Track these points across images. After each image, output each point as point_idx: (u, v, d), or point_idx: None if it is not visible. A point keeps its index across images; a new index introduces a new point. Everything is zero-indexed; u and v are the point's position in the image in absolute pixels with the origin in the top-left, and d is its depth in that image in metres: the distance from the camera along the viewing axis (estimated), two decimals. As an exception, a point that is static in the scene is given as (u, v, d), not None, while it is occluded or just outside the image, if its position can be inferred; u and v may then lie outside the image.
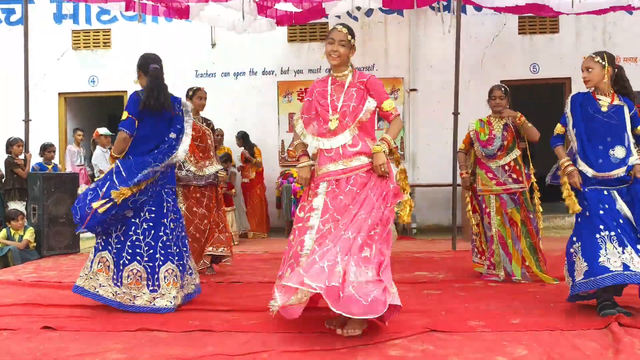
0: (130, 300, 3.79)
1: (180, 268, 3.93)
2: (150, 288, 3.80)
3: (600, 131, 3.64)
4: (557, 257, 5.66)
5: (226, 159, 8.28)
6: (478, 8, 8.71)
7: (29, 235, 6.73)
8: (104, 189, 3.74)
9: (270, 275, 3.50)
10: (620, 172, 3.59)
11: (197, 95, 5.41)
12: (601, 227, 3.51)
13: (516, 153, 4.83)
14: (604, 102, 3.68)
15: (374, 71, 9.30)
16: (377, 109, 3.40)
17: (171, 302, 3.78)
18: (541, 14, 8.01)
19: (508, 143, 4.83)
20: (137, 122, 3.83)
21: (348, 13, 8.92)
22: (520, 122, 4.76)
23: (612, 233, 3.48)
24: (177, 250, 3.96)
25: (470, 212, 5.04)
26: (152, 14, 7.84)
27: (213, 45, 9.75)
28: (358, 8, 8.49)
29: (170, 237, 3.92)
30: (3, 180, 7.70)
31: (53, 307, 3.96)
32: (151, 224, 3.87)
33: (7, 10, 9.95)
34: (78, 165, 9.01)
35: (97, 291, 3.81)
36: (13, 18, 9.92)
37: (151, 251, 3.83)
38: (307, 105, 3.51)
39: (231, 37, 9.00)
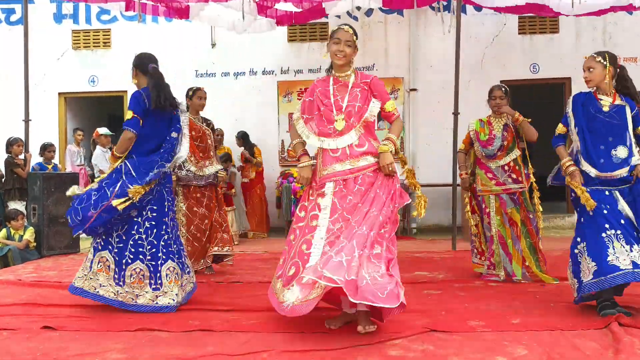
0: (133, 299, 3.79)
1: (180, 266, 3.96)
2: (153, 287, 3.81)
3: (601, 131, 3.63)
4: (557, 257, 5.67)
5: (226, 158, 8.28)
6: (478, 8, 8.71)
7: (29, 235, 6.73)
8: (115, 189, 3.73)
9: (270, 275, 3.50)
10: (623, 172, 3.58)
11: (197, 95, 5.41)
12: (606, 226, 3.49)
13: (516, 153, 4.83)
14: (606, 101, 3.67)
15: (374, 71, 9.30)
16: (380, 110, 3.43)
17: (174, 300, 3.81)
18: (541, 14, 8.01)
19: (508, 143, 4.83)
20: (141, 121, 3.83)
21: (348, 13, 8.91)
22: (519, 121, 4.76)
23: (619, 231, 3.47)
24: (177, 248, 4.00)
25: (469, 213, 5.05)
26: (152, 14, 7.84)
27: (213, 45, 9.75)
28: (358, 8, 8.49)
29: (171, 235, 3.97)
30: (3, 180, 7.70)
31: (53, 307, 3.96)
32: (153, 222, 3.88)
33: (7, 10, 9.96)
34: (78, 165, 9.01)
35: (98, 291, 3.80)
36: (13, 18, 9.92)
37: (154, 250, 3.85)
38: (308, 105, 3.49)
39: (231, 37, 9.00)
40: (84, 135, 9.50)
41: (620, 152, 3.60)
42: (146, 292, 3.80)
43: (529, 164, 4.84)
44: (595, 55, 3.69)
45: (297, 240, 3.29)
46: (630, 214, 3.55)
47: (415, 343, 3.00)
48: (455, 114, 6.91)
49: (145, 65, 3.98)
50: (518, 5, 7.46)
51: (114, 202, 3.69)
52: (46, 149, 7.97)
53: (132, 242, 3.82)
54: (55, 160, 8.31)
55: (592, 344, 2.93)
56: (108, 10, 9.51)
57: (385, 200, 3.23)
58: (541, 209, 4.79)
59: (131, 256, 3.81)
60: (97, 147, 8.56)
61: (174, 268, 3.89)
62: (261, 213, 8.88)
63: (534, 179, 4.87)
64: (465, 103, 7.30)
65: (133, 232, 3.84)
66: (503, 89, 4.90)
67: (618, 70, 3.72)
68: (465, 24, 7.85)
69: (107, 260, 3.83)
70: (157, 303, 3.79)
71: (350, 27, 3.42)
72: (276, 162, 9.62)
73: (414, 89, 9.53)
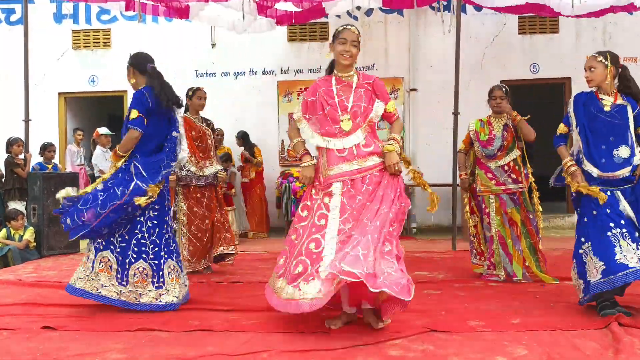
0: (136, 298, 3.79)
1: (179, 265, 4.01)
2: (156, 285, 3.83)
3: (603, 131, 3.62)
4: (557, 257, 5.67)
5: (226, 158, 8.28)
6: (478, 8, 8.71)
7: (29, 235, 6.73)
8: (128, 188, 3.72)
9: (270, 275, 3.51)
10: (625, 172, 3.56)
11: (196, 95, 5.41)
12: (611, 224, 3.47)
13: (516, 153, 4.83)
14: (607, 101, 3.66)
15: (374, 71, 9.30)
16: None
17: (176, 298, 3.85)
18: (541, 14, 8.01)
19: (508, 143, 4.82)
20: (145, 120, 3.84)
21: (348, 13, 8.91)
22: (516, 120, 4.76)
23: (624, 230, 3.45)
24: (175, 247, 4.04)
25: (468, 214, 5.05)
26: (152, 13, 7.84)
27: (213, 45, 9.75)
28: (358, 8, 8.49)
29: (170, 234, 4.02)
30: (3, 180, 7.70)
31: (53, 307, 3.96)
32: (155, 222, 3.90)
33: (7, 10, 9.96)
34: (78, 165, 9.01)
35: (100, 292, 3.78)
36: (13, 18, 9.92)
37: (156, 249, 3.88)
38: (310, 105, 3.46)
39: (231, 37, 9.00)
40: (84, 135, 9.50)
41: (622, 151, 3.58)
42: (149, 290, 3.82)
43: (527, 164, 4.84)
44: (596, 55, 3.68)
45: (301, 239, 3.29)
46: (631, 214, 3.53)
47: (415, 343, 3.00)
48: (455, 114, 6.91)
49: (143, 65, 3.98)
50: (518, 5, 7.46)
51: (137, 200, 3.70)
52: (46, 148, 7.97)
53: (135, 242, 3.83)
54: (55, 160, 8.31)
55: (592, 344, 2.93)
56: (108, 10, 9.51)
57: (393, 198, 3.27)
58: (541, 209, 4.79)
59: (134, 255, 3.81)
60: (97, 147, 8.56)
61: (174, 266, 3.94)
62: (261, 213, 8.88)
63: (533, 179, 4.86)
64: (465, 103, 7.30)
65: (136, 231, 3.84)
66: (503, 89, 4.90)
67: (620, 70, 3.71)
68: (465, 24, 7.85)
69: (109, 260, 3.82)
70: (160, 301, 3.81)
71: (355, 27, 3.44)
72: (276, 162, 9.62)
73: (414, 89, 9.53)
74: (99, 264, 3.81)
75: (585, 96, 3.74)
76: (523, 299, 4.05)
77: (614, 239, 3.44)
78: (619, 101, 3.67)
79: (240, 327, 3.36)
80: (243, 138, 8.92)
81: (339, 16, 9.01)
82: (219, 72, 9.74)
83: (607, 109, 3.64)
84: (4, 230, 6.77)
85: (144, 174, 3.79)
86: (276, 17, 8.10)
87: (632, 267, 3.34)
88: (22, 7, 7.53)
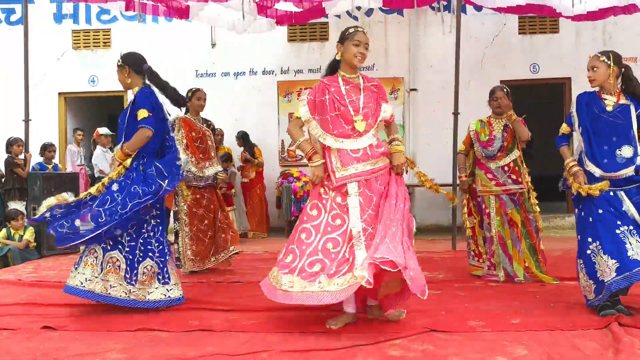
0: (145, 296, 3.81)
1: (172, 263, 4.09)
2: (162, 281, 3.89)
3: (605, 131, 3.61)
4: (557, 257, 5.68)
5: (226, 158, 8.29)
6: (478, 8, 8.71)
7: (29, 235, 6.73)
8: (152, 187, 3.74)
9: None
10: (628, 171, 3.54)
11: (196, 96, 5.42)
12: (618, 222, 3.46)
13: (516, 154, 4.83)
14: (610, 101, 3.65)
15: (374, 71, 9.30)
16: None
17: (181, 292, 3.95)
18: (541, 14, 8.00)
19: (508, 144, 4.82)
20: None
21: (348, 13, 8.91)
22: (511, 119, 4.77)
23: (631, 227, 3.44)
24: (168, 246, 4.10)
25: (466, 215, 5.05)
26: (152, 13, 7.84)
27: (213, 45, 9.75)
28: (358, 8, 8.49)
29: (166, 233, 4.05)
30: (3, 180, 7.70)
31: (53, 307, 3.96)
32: (158, 220, 3.95)
33: (7, 10, 9.95)
34: (78, 165, 9.01)
35: (109, 292, 3.74)
36: (13, 18, 9.92)
37: (161, 247, 3.92)
38: (319, 105, 3.44)
39: (231, 37, 9.00)
40: (84, 135, 9.50)
41: (625, 151, 3.57)
42: (156, 287, 3.85)
43: (523, 164, 4.84)
44: (599, 55, 3.68)
45: (314, 238, 3.29)
46: (636, 215, 3.50)
47: (415, 343, 3.00)
48: (455, 114, 6.91)
49: (139, 65, 3.99)
50: (518, 5, 7.46)
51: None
52: (46, 148, 7.97)
53: (142, 241, 3.85)
54: (56, 160, 8.32)
55: (592, 344, 2.93)
56: (108, 10, 9.51)
57: (404, 196, 3.36)
58: (538, 210, 4.78)
59: (141, 254, 3.83)
60: (98, 147, 8.56)
61: (172, 264, 4.02)
62: (261, 213, 8.88)
63: (529, 179, 4.86)
64: (465, 103, 7.30)
65: (143, 230, 3.87)
66: (504, 90, 4.90)
67: (623, 70, 3.70)
68: (465, 24, 7.85)
69: (118, 260, 3.79)
70: (169, 297, 3.88)
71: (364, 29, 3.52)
72: (276, 162, 9.62)
73: (414, 89, 9.52)
74: (107, 264, 3.79)
75: (588, 96, 3.73)
76: (523, 299, 4.05)
77: (623, 237, 3.42)
78: (622, 101, 3.66)
79: (240, 327, 3.36)
80: (243, 138, 8.92)
81: (339, 16, 9.01)
82: (219, 72, 9.74)
83: (609, 109, 3.63)
84: (4, 230, 6.77)
85: (165, 173, 3.82)
86: (276, 17, 8.10)
87: None
88: (22, 7, 7.53)
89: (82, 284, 3.76)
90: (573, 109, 3.78)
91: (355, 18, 9.37)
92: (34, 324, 3.50)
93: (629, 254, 3.36)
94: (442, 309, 3.74)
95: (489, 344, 2.97)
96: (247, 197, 8.89)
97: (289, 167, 9.38)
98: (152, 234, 3.89)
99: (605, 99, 3.67)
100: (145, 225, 3.87)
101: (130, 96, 4.02)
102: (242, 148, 8.89)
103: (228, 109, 9.29)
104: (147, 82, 4.01)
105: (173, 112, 4.66)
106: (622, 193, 3.55)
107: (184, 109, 5.37)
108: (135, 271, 3.79)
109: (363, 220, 3.26)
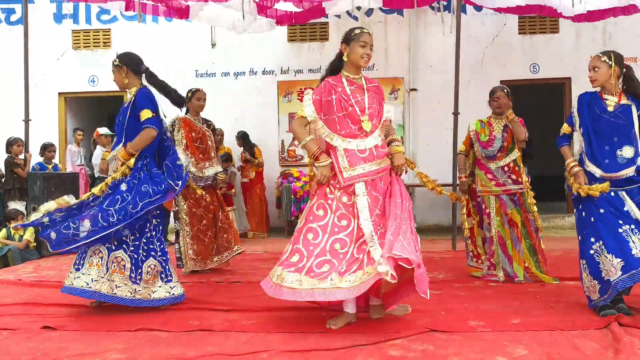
0: (150, 295, 3.82)
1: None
2: (165, 280, 3.92)
3: (606, 131, 3.60)
4: (557, 257, 5.68)
5: (226, 158, 8.29)
6: (478, 8, 8.71)
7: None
8: (162, 186, 3.77)
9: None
10: (629, 172, 3.54)
11: (195, 96, 5.42)
12: (620, 222, 3.46)
13: (516, 154, 4.83)
14: (611, 101, 3.65)
15: (374, 71, 9.29)
16: None
17: (182, 289, 3.98)
18: (541, 14, 8.00)
19: (508, 144, 4.83)
20: None
21: (348, 13, 8.91)
22: (509, 119, 4.77)
23: (632, 226, 3.44)
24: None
25: (465, 216, 5.05)
26: (152, 13, 7.84)
27: (213, 45, 9.75)
28: (358, 8, 8.49)
29: (166, 233, 4.06)
30: (3, 180, 7.70)
31: (53, 307, 3.96)
32: (158, 220, 3.98)
33: (7, 10, 9.95)
34: (78, 165, 9.01)
35: (115, 293, 3.73)
36: (13, 18, 9.92)
37: (162, 245, 3.97)
38: (326, 105, 3.43)
39: (231, 37, 9.00)
40: (84, 135, 9.50)
41: (626, 151, 3.56)
42: (160, 286, 3.88)
43: (521, 164, 4.84)
44: (600, 55, 3.67)
45: (321, 238, 3.30)
46: (638, 215, 3.49)
47: (415, 343, 3.00)
48: (455, 114, 6.91)
49: (137, 65, 4.01)
50: (518, 6, 7.46)
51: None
52: (46, 148, 7.97)
53: (144, 240, 3.87)
54: (56, 160, 8.32)
55: (592, 344, 2.93)
56: (108, 10, 9.51)
57: (407, 195, 3.42)
58: (536, 209, 4.79)
59: (144, 253, 3.85)
60: (98, 147, 8.56)
61: (170, 262, 4.05)
62: (261, 213, 8.88)
63: (527, 179, 4.86)
64: (465, 103, 7.30)
65: (146, 230, 3.88)
66: (505, 90, 4.90)
67: (624, 70, 3.69)
68: (465, 24, 7.84)
69: (123, 259, 3.78)
70: (173, 294, 3.91)
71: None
72: (276, 162, 9.62)
73: (414, 89, 9.52)
74: (112, 264, 3.77)
75: (590, 96, 3.72)
76: (523, 299, 4.05)
77: (626, 235, 3.42)
78: (623, 101, 3.65)
79: (240, 327, 3.36)
80: (243, 138, 8.92)
81: (339, 16, 9.01)
82: (219, 72, 9.74)
83: (610, 109, 3.63)
84: (4, 230, 6.76)
85: (174, 174, 3.85)
86: (276, 17, 8.10)
87: None
88: (22, 7, 7.53)
89: (88, 284, 3.72)
90: (574, 109, 3.77)
91: (355, 18, 9.37)
92: (34, 324, 3.50)
93: (633, 252, 3.37)
94: (442, 309, 3.74)
95: (489, 344, 2.97)
96: (247, 197, 8.89)
97: (289, 167, 9.38)
98: (154, 233, 3.92)
99: (606, 99, 3.66)
100: (148, 225, 3.89)
101: (128, 96, 4.02)
102: (242, 148, 8.89)
103: (228, 109, 9.29)
104: (145, 82, 4.02)
105: (172, 112, 4.68)
106: (624, 193, 3.55)
107: (184, 109, 5.37)
108: (139, 270, 3.80)
109: (372, 221, 3.28)
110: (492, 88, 4.98)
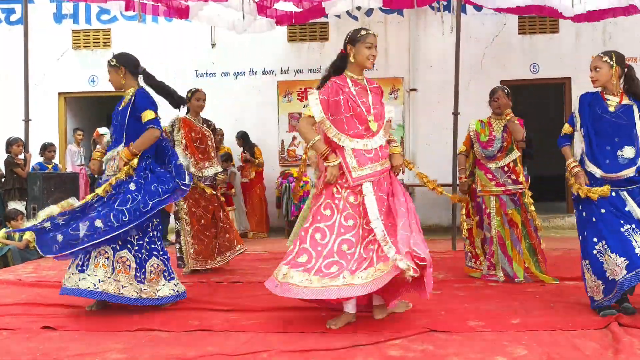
0: (155, 293, 3.84)
1: None
2: (168, 278, 3.96)
3: (608, 131, 3.59)
4: (557, 257, 5.68)
5: (226, 158, 8.29)
6: (478, 8, 8.71)
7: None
8: (169, 185, 3.80)
9: (270, 275, 3.50)
10: (629, 172, 3.53)
11: (195, 96, 5.41)
12: (621, 221, 3.46)
13: (516, 154, 4.83)
14: (612, 102, 3.64)
15: (374, 71, 9.27)
16: None
17: (182, 286, 4.03)
18: (541, 14, 8.00)
19: (507, 144, 4.82)
20: None
21: (348, 13, 8.90)
22: (507, 118, 4.77)
23: (634, 225, 3.44)
24: None
25: (464, 217, 5.05)
26: (152, 13, 7.83)
27: (213, 45, 9.74)
28: (358, 8, 8.48)
29: (166, 233, 4.07)
30: (3, 180, 7.70)
31: (53, 307, 3.96)
32: (158, 219, 4.00)
33: (7, 10, 9.95)
34: (78, 165, 9.02)
35: (122, 293, 3.72)
36: (13, 18, 9.92)
37: (162, 244, 4.00)
38: (334, 105, 3.43)
39: (231, 37, 8.99)
40: (84, 135, 9.50)
41: (627, 152, 3.55)
42: (163, 284, 3.90)
43: (519, 164, 4.84)
44: (601, 55, 3.67)
45: (329, 239, 3.30)
46: None
47: (415, 343, 3.00)
48: (455, 114, 6.90)
49: (135, 66, 4.01)
50: (518, 6, 7.46)
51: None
52: (46, 148, 7.97)
53: (147, 240, 3.88)
54: (56, 160, 8.32)
55: (592, 344, 2.93)
56: (108, 10, 9.50)
57: (407, 194, 3.47)
58: (533, 208, 4.79)
59: (147, 253, 3.86)
60: (97, 147, 8.55)
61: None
62: (261, 213, 8.88)
63: (524, 179, 4.86)
64: (465, 103, 7.29)
65: (149, 229, 3.90)
66: (505, 90, 4.90)
67: (625, 70, 3.68)
68: (465, 24, 7.84)
69: (128, 259, 3.77)
70: (177, 291, 3.96)
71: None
72: (276, 162, 9.61)
73: (414, 89, 9.52)
74: (117, 264, 3.76)
75: (591, 96, 3.72)
76: (523, 299, 4.05)
77: (628, 234, 3.42)
78: (625, 101, 3.64)
79: (240, 327, 3.36)
80: (243, 138, 8.92)
81: (338, 16, 9.01)
82: (219, 72, 9.73)
83: (612, 109, 3.62)
84: (4, 230, 6.76)
85: (181, 174, 3.89)
86: (276, 17, 8.10)
87: None
88: (22, 7, 7.53)
89: (95, 285, 3.68)
90: (575, 109, 3.77)
91: (355, 18, 9.36)
92: (34, 324, 3.50)
93: (637, 250, 3.37)
94: (442, 309, 3.74)
95: (489, 344, 2.97)
96: (247, 197, 8.89)
97: (289, 167, 9.37)
98: (155, 232, 3.95)
99: (607, 100, 3.66)
100: (150, 225, 3.90)
101: (125, 97, 4.01)
102: (242, 148, 8.89)
103: (228, 109, 9.28)
104: (142, 83, 4.02)
105: (172, 112, 4.68)
106: (625, 193, 3.55)
107: (184, 110, 5.36)
108: (143, 269, 3.82)
109: (382, 220, 3.30)
110: (492, 88, 4.98)
